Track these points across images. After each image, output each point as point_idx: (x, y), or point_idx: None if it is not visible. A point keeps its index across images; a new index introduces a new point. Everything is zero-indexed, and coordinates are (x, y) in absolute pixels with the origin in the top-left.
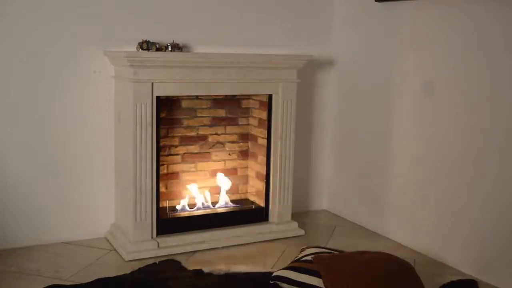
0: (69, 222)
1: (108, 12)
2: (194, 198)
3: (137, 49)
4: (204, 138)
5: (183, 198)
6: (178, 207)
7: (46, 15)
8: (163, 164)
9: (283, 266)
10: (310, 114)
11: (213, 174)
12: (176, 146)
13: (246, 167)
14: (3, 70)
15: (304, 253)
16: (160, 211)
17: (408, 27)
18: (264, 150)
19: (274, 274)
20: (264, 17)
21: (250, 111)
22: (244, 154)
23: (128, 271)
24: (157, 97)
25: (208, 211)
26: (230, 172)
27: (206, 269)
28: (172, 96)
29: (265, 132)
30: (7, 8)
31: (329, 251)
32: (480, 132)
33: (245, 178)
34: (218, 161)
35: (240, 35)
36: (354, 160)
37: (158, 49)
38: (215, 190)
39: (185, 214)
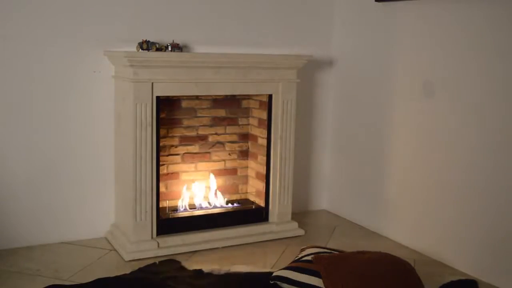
0: (69, 222)
1: (108, 12)
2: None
3: (137, 49)
4: (204, 138)
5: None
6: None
7: (46, 15)
8: (163, 164)
9: (283, 266)
10: (310, 114)
11: (213, 174)
12: (176, 146)
13: (246, 167)
14: (3, 70)
15: (304, 253)
16: (160, 211)
17: (408, 27)
18: (264, 150)
19: (274, 274)
20: (264, 17)
21: (250, 111)
22: (244, 154)
23: (128, 271)
24: (157, 97)
25: (208, 211)
26: (230, 172)
27: (206, 269)
28: (172, 96)
29: (265, 132)
30: (7, 8)
31: (329, 251)
32: (480, 132)
33: (245, 178)
34: (218, 161)
35: (240, 35)
36: (354, 160)
37: (158, 49)
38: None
39: (185, 214)
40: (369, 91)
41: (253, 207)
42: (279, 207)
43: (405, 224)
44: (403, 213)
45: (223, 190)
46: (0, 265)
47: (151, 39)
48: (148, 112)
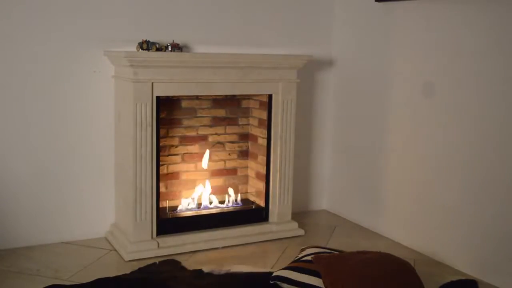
0: (69, 222)
1: (108, 12)
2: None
3: (137, 49)
4: (204, 138)
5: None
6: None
7: (46, 15)
8: (163, 164)
9: (283, 266)
10: (310, 114)
11: (213, 174)
12: (176, 146)
13: (246, 167)
14: (3, 70)
15: (304, 253)
16: (160, 211)
17: (408, 27)
18: (264, 150)
19: (274, 274)
20: (264, 17)
21: (250, 111)
22: (244, 154)
23: (128, 271)
24: (157, 97)
25: (208, 211)
26: (230, 172)
27: (206, 269)
28: (172, 96)
29: (265, 132)
30: (7, 8)
31: (329, 251)
32: (479, 132)
33: (245, 178)
34: (218, 161)
35: (240, 35)
36: (354, 160)
37: (158, 49)
38: (214, 191)
39: (185, 214)
40: (369, 91)
41: (253, 207)
42: (279, 207)
43: (405, 224)
44: (403, 213)
45: (223, 190)
46: (0, 265)
47: (151, 39)
48: (148, 112)
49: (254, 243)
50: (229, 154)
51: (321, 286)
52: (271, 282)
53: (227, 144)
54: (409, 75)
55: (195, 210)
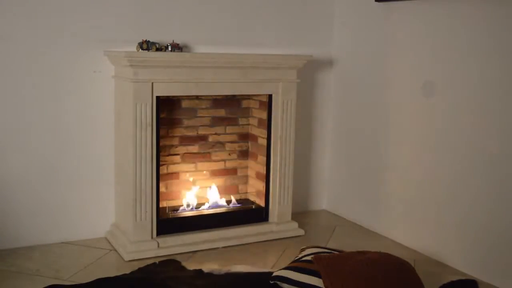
0: (69, 222)
1: (108, 12)
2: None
3: (137, 49)
4: (204, 138)
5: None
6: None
7: (46, 15)
8: (163, 164)
9: (283, 266)
10: (310, 114)
11: (213, 174)
12: (176, 146)
13: (246, 167)
14: (3, 70)
15: (304, 253)
16: (160, 211)
17: (408, 27)
18: (264, 150)
19: (274, 274)
20: (264, 17)
21: (250, 111)
22: (244, 154)
23: (128, 271)
24: (157, 97)
25: (208, 211)
26: (230, 172)
27: (206, 269)
28: (172, 96)
29: (265, 132)
30: (7, 8)
31: (329, 251)
32: (480, 132)
33: (245, 178)
34: (218, 161)
35: (240, 35)
36: (354, 160)
37: (158, 49)
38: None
39: (185, 214)
40: (369, 91)
41: (253, 207)
42: (279, 207)
43: (405, 224)
44: (403, 213)
45: (223, 190)
46: (0, 265)
47: (151, 39)
48: (148, 112)
49: (254, 243)
50: (229, 154)
51: (321, 286)
52: (271, 282)
53: (227, 144)
54: (409, 75)
55: (195, 210)
